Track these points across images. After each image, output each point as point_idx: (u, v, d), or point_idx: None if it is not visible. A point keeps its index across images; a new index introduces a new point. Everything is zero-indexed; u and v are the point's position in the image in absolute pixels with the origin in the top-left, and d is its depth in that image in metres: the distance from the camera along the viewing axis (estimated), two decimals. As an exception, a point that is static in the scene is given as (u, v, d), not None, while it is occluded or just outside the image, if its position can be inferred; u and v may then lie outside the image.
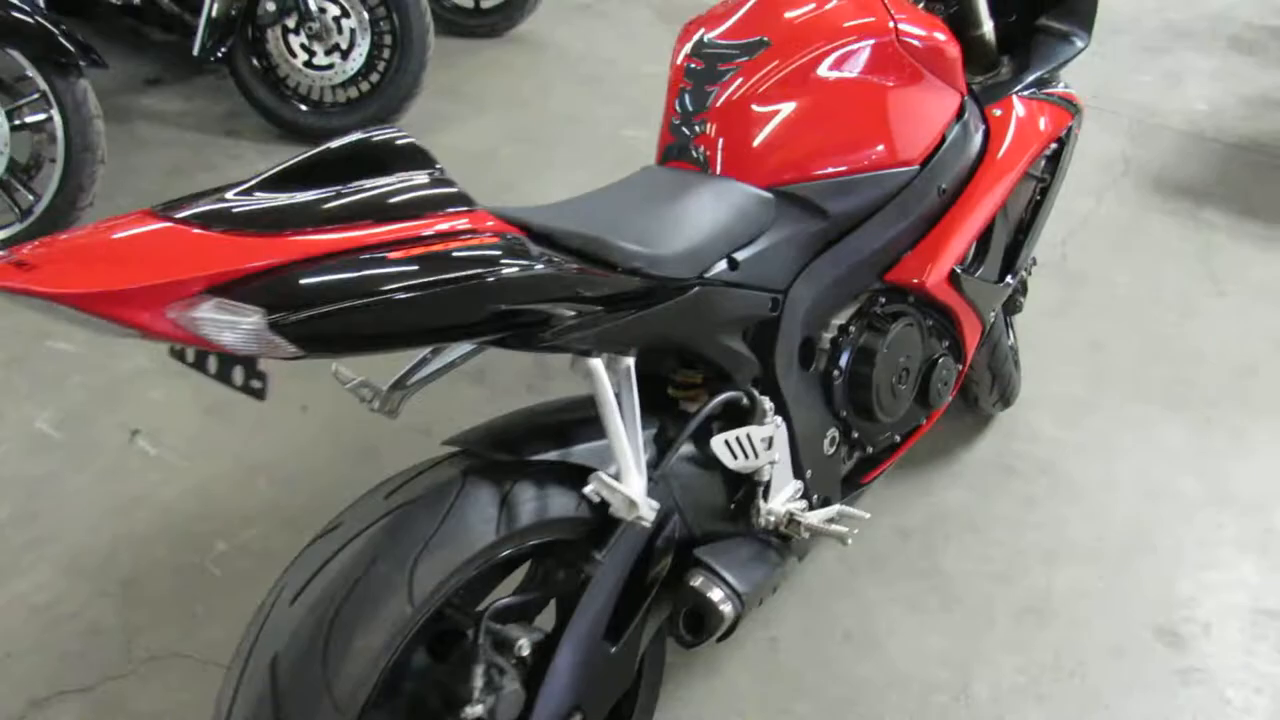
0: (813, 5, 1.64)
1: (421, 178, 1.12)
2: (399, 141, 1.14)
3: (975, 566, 2.15)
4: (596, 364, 1.31)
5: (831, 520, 1.67)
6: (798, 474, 1.66)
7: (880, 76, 1.60)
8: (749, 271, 1.52)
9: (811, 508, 1.70)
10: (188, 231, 0.96)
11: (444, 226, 1.08)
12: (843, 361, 1.69)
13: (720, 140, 1.57)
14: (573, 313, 1.22)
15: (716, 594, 1.43)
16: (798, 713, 1.82)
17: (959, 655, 1.95)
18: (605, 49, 4.37)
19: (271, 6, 3.34)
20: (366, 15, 3.43)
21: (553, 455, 1.35)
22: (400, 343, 1.07)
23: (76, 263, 0.92)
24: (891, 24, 1.62)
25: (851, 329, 1.69)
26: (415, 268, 1.03)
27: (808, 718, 1.82)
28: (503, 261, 1.10)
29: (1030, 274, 2.47)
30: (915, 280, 1.72)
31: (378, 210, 1.06)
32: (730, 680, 1.88)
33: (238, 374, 1.07)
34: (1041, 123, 1.90)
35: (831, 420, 1.70)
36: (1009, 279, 1.95)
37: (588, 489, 1.26)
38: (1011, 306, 2.33)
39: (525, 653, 1.31)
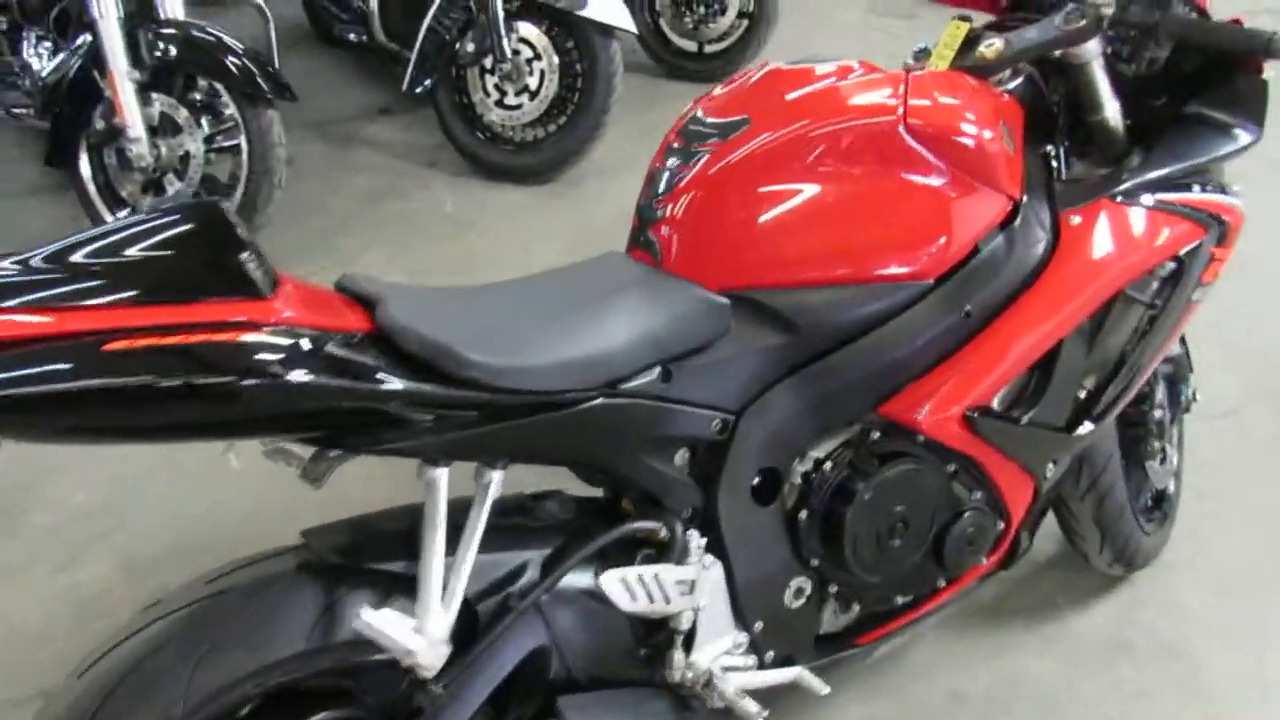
0: (817, 84, 1.41)
1: (215, 259, 1.05)
2: (209, 218, 1.07)
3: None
4: (435, 475, 1.18)
5: (792, 683, 1.43)
6: (743, 624, 1.43)
7: (879, 171, 1.34)
8: (688, 386, 1.32)
9: (763, 666, 1.46)
10: None
11: (207, 318, 1.00)
12: (814, 502, 1.43)
13: (676, 232, 1.38)
14: (380, 421, 1.11)
15: None
16: None
17: None
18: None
19: (471, 47, 3.45)
20: (557, 59, 3.46)
21: (397, 567, 1.24)
22: (113, 437, 1.00)
23: None
24: (899, 109, 1.35)
25: (828, 465, 1.43)
26: (128, 360, 0.95)
27: None
28: (255, 361, 1.00)
29: (1190, 407, 2.04)
30: (912, 418, 1.42)
31: (140, 290, 0.99)
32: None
33: None
34: (1148, 237, 1.53)
35: (798, 568, 1.45)
36: (1086, 427, 1.58)
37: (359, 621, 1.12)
38: (1142, 451, 1.91)
39: None
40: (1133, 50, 1.59)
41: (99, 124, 3.05)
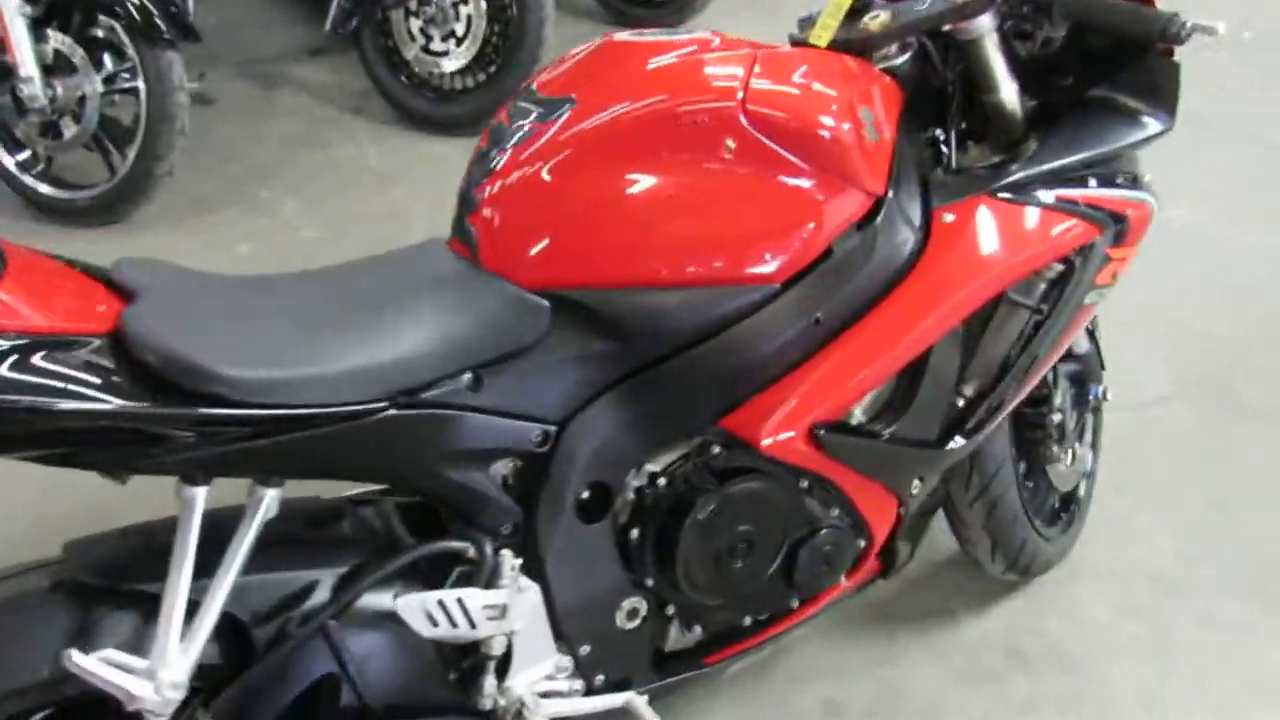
0: (657, 59, 1.25)
1: None
2: None
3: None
4: (191, 495, 1.06)
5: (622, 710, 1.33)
6: (567, 648, 1.32)
7: (716, 161, 1.20)
8: (501, 395, 1.20)
9: (592, 690, 1.35)
10: None
11: None
12: (647, 520, 1.31)
13: (490, 223, 1.23)
14: (127, 439, 0.99)
15: None
16: None
17: None
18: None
19: None
20: (485, 4, 3.27)
21: (156, 588, 1.12)
22: None
23: None
24: (739, 93, 1.20)
25: (662, 481, 1.31)
26: None
27: None
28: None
29: (1100, 407, 1.92)
30: (753, 434, 1.29)
31: None
32: None
33: None
34: (1031, 237, 1.39)
35: (630, 589, 1.33)
36: (958, 441, 1.45)
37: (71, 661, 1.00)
38: (1042, 454, 1.79)
39: None
40: (1028, 28, 1.44)
41: (-11, 59, 2.87)
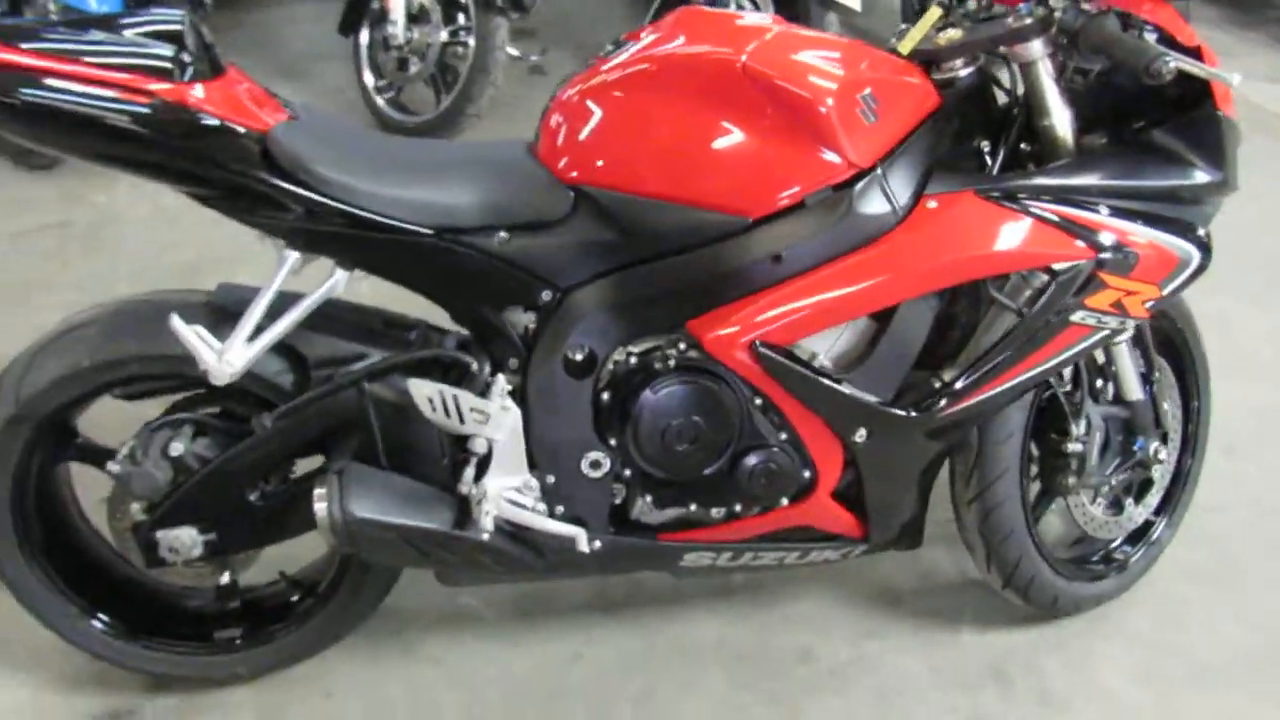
0: (705, 23, 1.55)
1: (158, 49, 1.43)
2: (170, 19, 1.45)
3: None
4: (285, 255, 1.51)
5: (554, 538, 1.62)
6: (537, 475, 1.64)
7: (720, 105, 1.47)
8: (523, 254, 1.55)
9: (552, 516, 1.66)
10: None
11: (127, 79, 1.38)
12: (617, 388, 1.60)
13: (547, 123, 1.59)
14: (249, 199, 1.46)
15: (321, 500, 1.54)
16: None
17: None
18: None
19: None
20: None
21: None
22: (71, 148, 1.42)
23: None
24: (743, 56, 1.47)
25: (634, 360, 1.60)
26: (98, 102, 1.35)
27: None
28: (153, 121, 1.37)
29: (1148, 465, 1.94)
30: (706, 337, 1.55)
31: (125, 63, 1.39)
32: None
33: None
34: (1008, 238, 1.53)
35: (596, 442, 1.62)
36: (905, 410, 1.61)
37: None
38: (1059, 483, 1.86)
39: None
40: (1065, 59, 1.57)
41: (375, 4, 3.66)
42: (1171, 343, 1.96)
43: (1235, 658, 1.98)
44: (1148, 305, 1.61)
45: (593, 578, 2.00)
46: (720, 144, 1.49)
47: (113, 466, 1.61)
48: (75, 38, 1.40)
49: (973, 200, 1.53)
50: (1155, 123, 1.61)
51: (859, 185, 1.51)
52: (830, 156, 1.48)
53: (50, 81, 1.34)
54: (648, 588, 2.05)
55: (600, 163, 1.52)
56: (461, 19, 3.60)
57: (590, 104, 1.54)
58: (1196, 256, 1.61)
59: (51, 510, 1.74)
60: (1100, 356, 1.82)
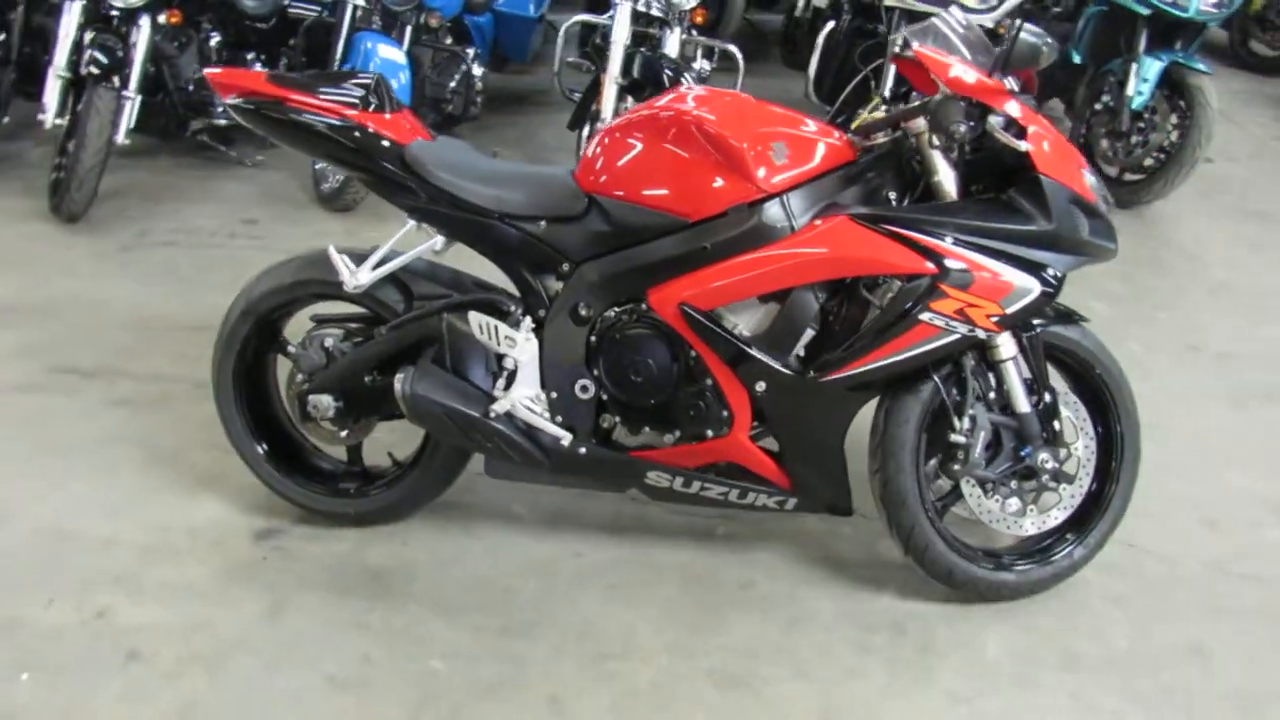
0: (684, 95, 2.32)
1: (355, 92, 2.37)
2: (375, 81, 2.40)
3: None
4: (410, 224, 2.39)
5: (552, 438, 2.35)
6: (545, 390, 2.37)
7: (678, 148, 2.20)
8: (554, 237, 2.34)
9: (554, 423, 2.38)
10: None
11: (335, 106, 2.32)
12: (599, 333, 2.33)
13: (584, 150, 2.38)
14: (393, 185, 2.34)
15: (400, 382, 2.34)
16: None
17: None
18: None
19: None
20: None
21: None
22: (297, 145, 2.37)
23: None
24: (692, 111, 2.20)
25: (611, 315, 2.31)
26: (315, 118, 2.30)
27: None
28: (347, 134, 2.28)
29: (1031, 475, 2.37)
30: (652, 300, 2.24)
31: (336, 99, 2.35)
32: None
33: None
34: (863, 249, 2.14)
35: (585, 371, 2.34)
36: (782, 368, 2.21)
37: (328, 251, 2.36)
38: (947, 468, 2.33)
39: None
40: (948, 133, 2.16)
41: (594, 108, 4.67)
42: (1084, 380, 2.40)
43: (1109, 658, 2.32)
44: (993, 319, 2.13)
45: (605, 501, 2.68)
46: (675, 169, 2.22)
47: (291, 348, 2.52)
48: (314, 84, 2.36)
49: (846, 222, 2.15)
50: (1014, 183, 2.16)
51: (767, 204, 2.17)
52: (744, 182, 2.17)
53: (296, 105, 2.31)
54: (647, 521, 2.69)
55: (603, 179, 2.29)
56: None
57: (604, 140, 2.33)
58: (1037, 288, 2.12)
59: (260, 386, 2.68)
60: (994, 379, 2.31)
